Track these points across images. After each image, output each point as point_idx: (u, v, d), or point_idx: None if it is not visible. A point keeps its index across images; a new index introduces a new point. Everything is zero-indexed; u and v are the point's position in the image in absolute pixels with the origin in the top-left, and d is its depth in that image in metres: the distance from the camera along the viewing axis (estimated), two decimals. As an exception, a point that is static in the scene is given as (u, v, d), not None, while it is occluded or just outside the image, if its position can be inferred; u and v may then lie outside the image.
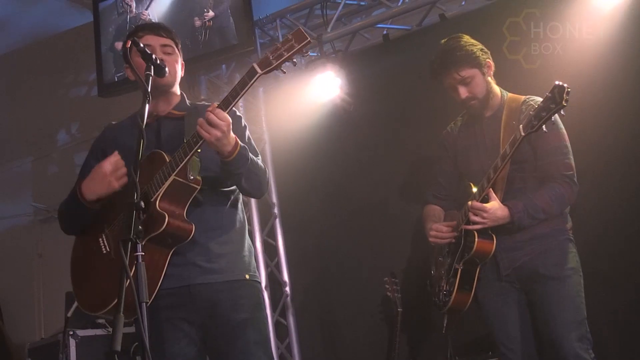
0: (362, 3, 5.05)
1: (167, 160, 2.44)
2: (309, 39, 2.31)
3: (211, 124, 2.32)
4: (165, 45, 2.64)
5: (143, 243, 2.14)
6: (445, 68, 3.08)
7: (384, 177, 4.76)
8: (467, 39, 3.12)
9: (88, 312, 2.56)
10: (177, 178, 2.42)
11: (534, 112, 2.75)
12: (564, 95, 2.63)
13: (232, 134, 2.39)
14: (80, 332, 4.30)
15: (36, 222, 6.33)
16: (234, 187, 2.67)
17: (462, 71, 3.05)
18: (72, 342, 4.25)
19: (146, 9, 5.10)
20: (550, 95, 2.68)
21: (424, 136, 4.52)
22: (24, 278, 6.20)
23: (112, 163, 2.50)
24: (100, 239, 2.58)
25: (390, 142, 4.77)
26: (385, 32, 4.85)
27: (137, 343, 3.93)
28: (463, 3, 4.69)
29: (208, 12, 4.91)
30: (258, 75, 2.33)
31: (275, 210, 5.19)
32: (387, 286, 4.15)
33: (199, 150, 2.42)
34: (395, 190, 4.71)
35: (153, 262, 2.42)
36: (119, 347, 1.86)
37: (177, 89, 2.73)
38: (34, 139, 6.45)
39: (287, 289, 5.07)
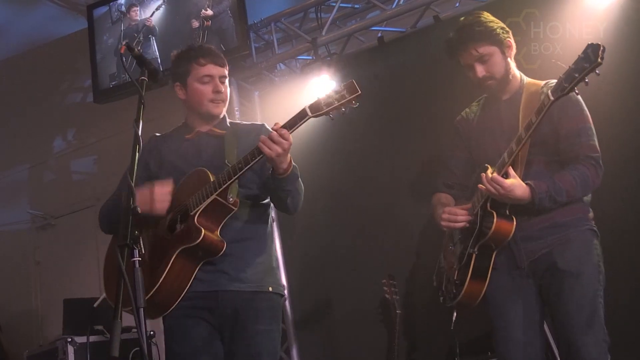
0: (357, 6, 5.05)
1: (211, 180, 2.62)
2: (359, 91, 2.52)
3: (274, 141, 2.50)
4: (223, 77, 2.87)
5: (177, 252, 2.52)
6: (463, 43, 2.91)
7: (379, 179, 4.75)
8: (487, 15, 2.98)
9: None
10: (217, 198, 2.61)
11: (564, 74, 2.53)
12: (599, 52, 2.42)
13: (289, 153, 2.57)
14: (78, 339, 4.29)
15: (33, 229, 6.31)
16: (267, 201, 2.87)
17: (480, 47, 2.88)
18: (71, 349, 4.24)
19: (151, 16, 5.06)
20: (583, 55, 2.48)
21: (420, 138, 4.53)
22: (22, 285, 6.19)
23: (162, 192, 2.65)
24: None
25: (386, 144, 4.76)
26: (380, 34, 4.86)
27: (136, 348, 3.93)
28: (457, 5, 4.71)
29: (207, 10, 4.86)
30: (308, 117, 2.54)
31: (273, 214, 5.15)
32: (386, 288, 4.14)
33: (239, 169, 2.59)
34: (391, 193, 4.70)
35: (182, 272, 2.62)
36: (116, 353, 1.87)
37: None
38: (30, 146, 6.44)
39: (285, 292, 5.05)
